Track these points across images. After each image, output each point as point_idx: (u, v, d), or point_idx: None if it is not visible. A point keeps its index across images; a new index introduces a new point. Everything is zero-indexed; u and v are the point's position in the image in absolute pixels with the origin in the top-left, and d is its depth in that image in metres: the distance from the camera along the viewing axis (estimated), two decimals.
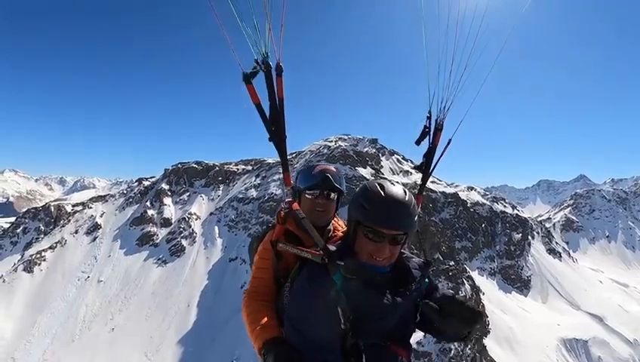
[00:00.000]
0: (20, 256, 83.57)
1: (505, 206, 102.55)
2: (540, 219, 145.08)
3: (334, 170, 3.47)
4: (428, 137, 3.55)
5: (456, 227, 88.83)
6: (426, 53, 3.20)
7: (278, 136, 3.07)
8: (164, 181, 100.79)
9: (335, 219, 3.63)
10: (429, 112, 3.51)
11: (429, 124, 3.54)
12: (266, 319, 2.86)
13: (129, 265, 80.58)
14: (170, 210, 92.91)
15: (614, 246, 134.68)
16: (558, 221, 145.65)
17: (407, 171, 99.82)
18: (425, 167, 3.61)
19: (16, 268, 79.39)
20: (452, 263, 73.27)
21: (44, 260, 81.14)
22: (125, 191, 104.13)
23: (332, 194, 3.41)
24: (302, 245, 3.09)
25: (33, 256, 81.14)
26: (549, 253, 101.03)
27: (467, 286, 70.67)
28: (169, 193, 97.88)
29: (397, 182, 2.70)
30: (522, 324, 75.95)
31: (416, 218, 2.58)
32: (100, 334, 67.59)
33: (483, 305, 71.61)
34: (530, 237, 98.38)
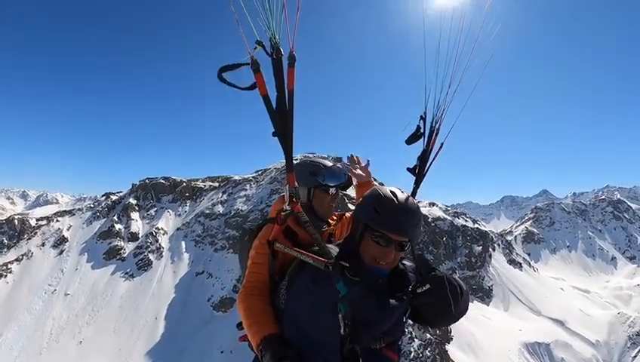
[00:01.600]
0: None
1: (466, 220, 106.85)
2: (502, 232, 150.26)
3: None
4: (422, 139, 3.60)
5: (418, 241, 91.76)
6: (425, 55, 3.30)
7: (284, 132, 2.97)
8: (132, 196, 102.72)
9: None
10: (424, 113, 3.54)
11: (424, 125, 3.58)
12: (263, 315, 2.91)
13: (96, 278, 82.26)
14: (138, 225, 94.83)
15: (575, 256, 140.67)
16: (520, 233, 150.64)
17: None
18: (418, 170, 3.67)
19: None
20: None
21: (10, 272, 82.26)
22: (92, 205, 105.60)
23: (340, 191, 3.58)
24: (299, 241, 3.20)
25: None
26: (510, 264, 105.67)
27: None
28: (136, 208, 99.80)
29: (403, 190, 2.78)
30: (484, 331, 79.50)
31: (422, 228, 2.71)
32: (68, 347, 69.12)
33: None
34: (490, 249, 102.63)
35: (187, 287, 79.19)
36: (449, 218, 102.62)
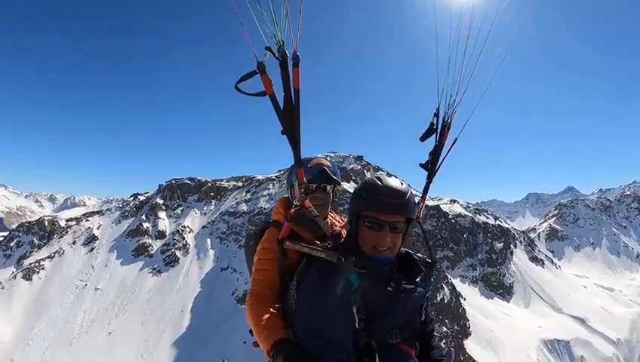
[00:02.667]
0: (13, 269, 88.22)
1: (487, 217, 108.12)
2: (525, 230, 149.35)
3: (329, 162, 3.57)
4: (435, 135, 3.52)
5: (438, 237, 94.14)
6: (437, 49, 3.27)
7: (292, 129, 2.96)
8: (159, 196, 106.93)
9: (332, 214, 3.74)
10: (437, 109, 3.48)
11: (437, 121, 3.50)
12: (272, 320, 2.88)
13: (125, 274, 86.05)
14: (165, 223, 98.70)
15: (599, 253, 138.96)
16: (543, 231, 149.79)
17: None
18: (430, 166, 3.55)
19: (16, 275, 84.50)
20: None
21: (43, 269, 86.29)
22: (121, 206, 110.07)
23: (328, 187, 3.50)
24: (296, 237, 3.21)
25: (32, 265, 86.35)
26: (532, 261, 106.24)
27: (446, 290, 75.23)
28: (163, 207, 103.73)
29: (391, 175, 2.83)
30: (504, 327, 79.98)
31: (413, 205, 2.73)
32: (97, 338, 72.47)
33: (464, 309, 76.44)
34: (512, 246, 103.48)
35: (212, 282, 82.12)
36: (470, 215, 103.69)
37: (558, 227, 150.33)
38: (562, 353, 77.88)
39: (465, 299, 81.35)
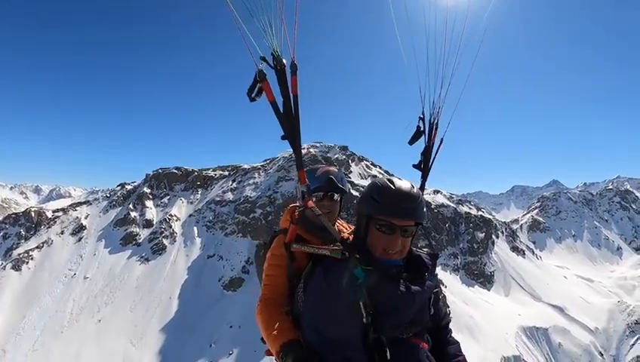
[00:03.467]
0: (1, 261, 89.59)
1: (470, 208, 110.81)
2: (508, 221, 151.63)
3: (337, 171, 3.67)
4: (424, 137, 3.80)
5: (419, 227, 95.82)
6: (416, 56, 3.48)
7: (292, 134, 3.17)
8: (146, 185, 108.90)
9: (339, 221, 3.82)
10: (422, 113, 3.74)
11: (423, 124, 3.78)
12: (280, 323, 2.95)
13: (113, 262, 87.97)
14: (152, 212, 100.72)
15: (580, 245, 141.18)
16: (525, 222, 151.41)
17: (375, 176, 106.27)
18: (423, 165, 3.85)
19: (5, 266, 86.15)
20: None
21: (32, 259, 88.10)
22: (108, 195, 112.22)
23: (335, 196, 3.61)
24: (304, 242, 3.27)
25: (21, 255, 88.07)
26: (513, 251, 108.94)
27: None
28: (150, 196, 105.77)
29: (401, 179, 2.84)
30: (483, 314, 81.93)
31: (424, 209, 2.74)
32: (87, 325, 74.24)
33: (444, 296, 75.82)
34: (494, 236, 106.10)
35: (199, 269, 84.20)
36: (453, 205, 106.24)
37: (540, 219, 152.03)
38: (540, 340, 79.90)
39: (446, 287, 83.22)
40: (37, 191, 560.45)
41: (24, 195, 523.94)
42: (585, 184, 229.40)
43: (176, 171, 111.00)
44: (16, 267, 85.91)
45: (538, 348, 78.43)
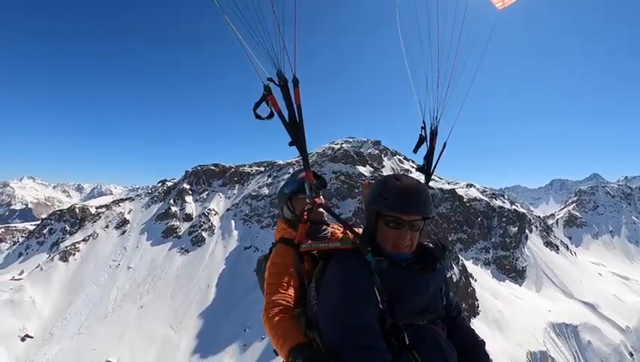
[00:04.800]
0: (46, 255, 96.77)
1: (504, 202, 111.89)
2: (545, 216, 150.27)
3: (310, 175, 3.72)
4: (425, 142, 4.00)
5: (452, 220, 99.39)
6: (409, 68, 3.73)
7: (299, 140, 3.40)
8: (185, 181, 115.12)
9: (333, 224, 3.93)
10: (423, 122, 3.95)
11: (425, 133, 3.99)
12: (288, 328, 2.94)
13: (155, 254, 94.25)
14: (191, 207, 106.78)
15: (617, 241, 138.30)
16: (562, 217, 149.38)
17: (408, 170, 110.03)
18: (426, 168, 4.05)
19: (53, 258, 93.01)
20: None
21: (78, 251, 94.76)
22: (150, 191, 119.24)
23: (318, 191, 3.71)
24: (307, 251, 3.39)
25: (68, 247, 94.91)
26: (547, 246, 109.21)
27: (456, 270, 79.41)
28: (190, 192, 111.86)
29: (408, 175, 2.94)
30: (513, 309, 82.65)
31: (431, 205, 2.81)
32: (130, 311, 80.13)
33: (473, 289, 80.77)
34: (527, 231, 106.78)
35: (235, 260, 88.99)
36: (486, 199, 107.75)
37: (577, 214, 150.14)
38: (569, 337, 79.36)
39: (476, 280, 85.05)
40: (79, 189, 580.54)
41: (67, 193, 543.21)
42: (626, 178, 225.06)
43: (214, 168, 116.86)
44: (64, 258, 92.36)
45: (566, 345, 78.19)
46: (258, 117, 3.48)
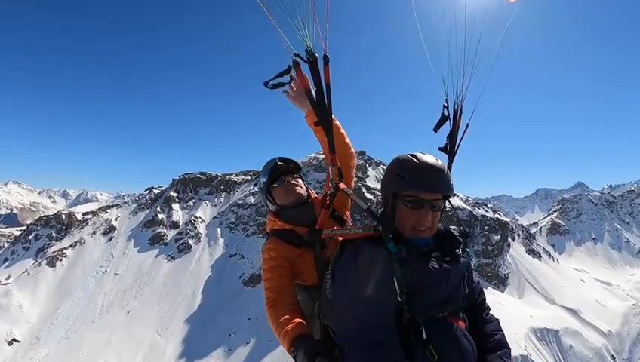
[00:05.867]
0: (32, 260, 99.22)
1: (486, 210, 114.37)
2: (527, 224, 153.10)
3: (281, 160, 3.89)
4: (449, 121, 3.74)
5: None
6: (422, 40, 3.43)
7: (326, 120, 3.27)
8: (172, 189, 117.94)
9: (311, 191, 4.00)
10: (446, 100, 3.69)
11: (448, 111, 3.71)
12: (289, 320, 3.03)
13: (142, 260, 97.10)
14: (178, 214, 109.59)
15: (600, 248, 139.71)
16: (545, 225, 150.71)
17: None
18: (450, 147, 3.73)
19: (40, 263, 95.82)
20: None
21: (66, 256, 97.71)
22: (137, 199, 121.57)
23: (289, 174, 3.86)
24: (297, 237, 3.54)
25: (55, 253, 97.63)
26: (529, 254, 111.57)
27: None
28: (177, 200, 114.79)
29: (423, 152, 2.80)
30: (495, 315, 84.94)
31: (452, 181, 2.71)
32: (117, 316, 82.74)
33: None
34: (510, 239, 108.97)
35: (222, 267, 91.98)
36: (468, 208, 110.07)
37: (560, 221, 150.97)
38: (551, 342, 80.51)
39: None
40: (65, 195, 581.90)
41: (52, 199, 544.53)
42: (610, 186, 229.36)
43: (200, 176, 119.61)
44: (51, 264, 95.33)
45: (548, 350, 79.29)
46: (274, 86, 3.50)
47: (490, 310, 3.09)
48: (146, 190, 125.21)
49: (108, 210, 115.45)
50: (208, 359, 70.21)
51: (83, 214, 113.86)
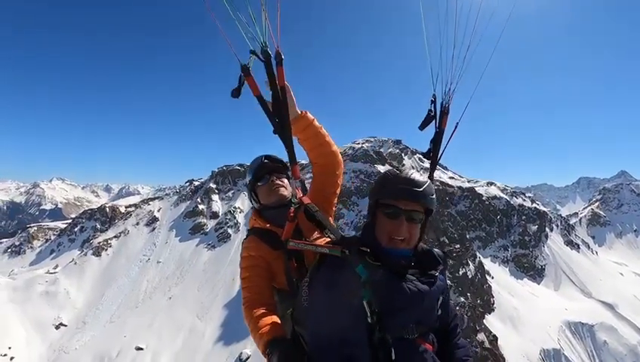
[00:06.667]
0: (78, 251, 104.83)
1: (524, 200, 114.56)
2: (567, 214, 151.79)
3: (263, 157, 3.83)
4: (434, 122, 3.63)
5: (470, 218, 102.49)
6: (426, 35, 3.37)
7: (282, 127, 3.13)
8: (212, 181, 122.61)
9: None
10: (434, 96, 3.58)
11: (434, 108, 3.62)
12: (265, 322, 3.06)
13: (183, 249, 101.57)
14: (218, 205, 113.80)
15: None
16: (585, 216, 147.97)
17: (428, 168, 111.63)
18: (432, 153, 3.72)
19: (86, 253, 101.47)
20: (458, 246, 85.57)
21: (110, 246, 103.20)
22: (178, 191, 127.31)
23: (275, 174, 3.83)
24: (275, 239, 3.45)
25: (101, 243, 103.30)
26: (567, 245, 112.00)
27: (472, 266, 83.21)
28: (216, 191, 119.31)
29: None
30: (529, 306, 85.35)
31: (432, 196, 2.72)
32: (159, 301, 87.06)
33: (489, 286, 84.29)
34: (547, 230, 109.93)
35: None
36: (506, 197, 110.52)
37: (601, 212, 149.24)
38: (585, 336, 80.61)
39: (492, 278, 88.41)
40: (107, 189, 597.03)
41: (95, 194, 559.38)
42: None
43: (239, 168, 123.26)
44: (97, 253, 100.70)
45: (582, 344, 79.59)
46: (235, 97, 3.22)
47: (461, 335, 3.14)
48: (186, 182, 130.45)
49: (150, 202, 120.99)
50: (245, 342, 72.26)
51: (126, 207, 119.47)
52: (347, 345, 2.48)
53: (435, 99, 3.61)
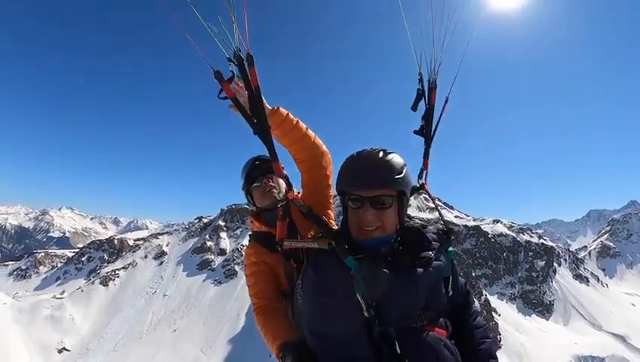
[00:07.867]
0: (83, 280, 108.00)
1: (531, 236, 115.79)
2: (576, 248, 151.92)
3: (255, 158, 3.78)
4: (423, 99, 3.45)
5: (476, 256, 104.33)
6: (404, 11, 3.20)
7: (261, 127, 2.95)
8: (221, 218, 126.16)
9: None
10: (420, 74, 3.42)
11: (422, 85, 3.44)
12: (277, 326, 3.03)
13: (190, 284, 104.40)
14: (226, 242, 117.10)
15: None
16: (594, 248, 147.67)
17: (433, 208, 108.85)
18: (425, 130, 3.46)
19: (93, 281, 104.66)
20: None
21: (118, 277, 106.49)
22: (187, 227, 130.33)
23: (268, 174, 3.67)
24: (273, 241, 3.20)
25: (108, 273, 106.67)
26: (576, 279, 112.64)
27: (477, 303, 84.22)
28: (225, 228, 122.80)
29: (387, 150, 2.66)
30: (537, 343, 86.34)
31: (398, 175, 2.51)
32: (164, 334, 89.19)
33: (496, 323, 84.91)
34: (555, 264, 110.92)
35: None
36: (512, 234, 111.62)
37: (610, 244, 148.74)
38: None
39: (499, 315, 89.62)
40: (116, 222, 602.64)
41: (103, 225, 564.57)
42: None
43: (247, 207, 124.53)
44: (104, 283, 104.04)
45: None
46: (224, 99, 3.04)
47: (478, 315, 2.95)
48: (195, 219, 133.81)
49: (159, 237, 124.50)
50: None
51: (134, 240, 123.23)
52: (339, 345, 2.45)
53: (421, 76, 3.50)
